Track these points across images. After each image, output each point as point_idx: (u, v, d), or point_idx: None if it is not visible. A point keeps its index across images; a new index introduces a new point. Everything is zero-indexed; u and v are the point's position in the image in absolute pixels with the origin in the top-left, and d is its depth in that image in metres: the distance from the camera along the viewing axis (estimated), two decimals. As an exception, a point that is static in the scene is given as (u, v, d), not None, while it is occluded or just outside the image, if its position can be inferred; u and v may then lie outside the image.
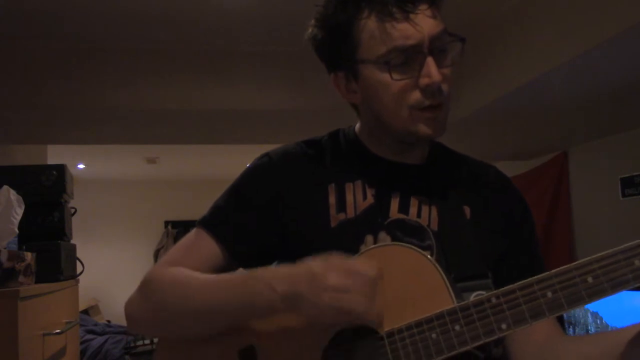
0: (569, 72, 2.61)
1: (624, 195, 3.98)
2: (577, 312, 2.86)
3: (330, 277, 0.82)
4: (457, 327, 0.82)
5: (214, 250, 1.01)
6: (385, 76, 0.92)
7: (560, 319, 2.89)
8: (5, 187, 1.86)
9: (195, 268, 0.99)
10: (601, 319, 2.74)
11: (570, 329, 2.90)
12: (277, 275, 0.87)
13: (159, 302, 0.98)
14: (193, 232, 1.05)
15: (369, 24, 0.93)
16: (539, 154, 4.84)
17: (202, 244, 1.02)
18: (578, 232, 4.47)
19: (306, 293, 0.83)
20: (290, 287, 0.84)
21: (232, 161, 4.96)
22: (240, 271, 1.05)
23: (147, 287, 1.00)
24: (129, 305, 1.01)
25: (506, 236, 1.04)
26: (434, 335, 0.83)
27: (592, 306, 2.81)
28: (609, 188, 4.07)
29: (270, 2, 2.76)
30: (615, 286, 0.77)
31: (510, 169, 5.07)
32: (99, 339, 5.01)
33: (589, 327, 2.79)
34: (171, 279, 0.98)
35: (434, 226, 1.00)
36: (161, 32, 3.11)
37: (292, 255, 1.00)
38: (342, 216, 0.99)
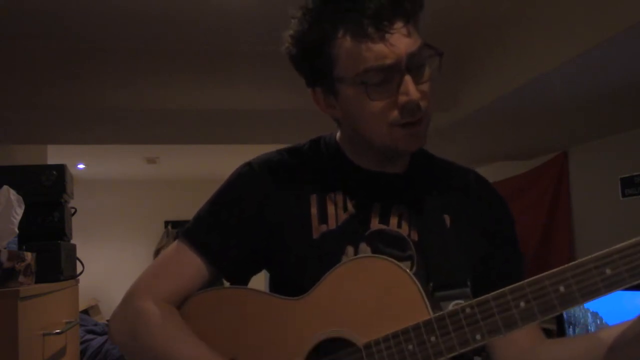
0: (569, 72, 2.61)
1: (624, 195, 3.98)
2: (577, 312, 2.86)
3: None
4: (432, 338, 0.83)
5: (197, 264, 1.00)
6: (363, 95, 0.91)
7: (560, 320, 2.90)
8: (5, 187, 1.85)
9: (178, 286, 0.99)
10: (601, 319, 2.74)
11: (570, 329, 2.90)
12: None
13: (139, 339, 0.97)
14: (175, 244, 1.03)
15: (345, 44, 0.91)
16: (539, 154, 4.83)
17: (184, 259, 1.01)
18: (578, 232, 4.47)
19: None
20: None
21: (232, 161, 4.92)
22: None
23: (135, 316, 0.99)
24: (113, 321, 1.02)
25: (485, 242, 1.04)
26: (410, 347, 0.84)
27: (592, 306, 2.81)
28: (609, 188, 4.07)
29: (270, 2, 2.76)
30: (586, 295, 0.77)
31: (510, 169, 5.08)
32: (99, 339, 4.99)
33: (589, 327, 2.79)
34: (158, 326, 0.96)
35: (415, 236, 1.00)
36: (161, 32, 3.10)
37: (276, 265, 1.01)
38: (324, 227, 0.99)
